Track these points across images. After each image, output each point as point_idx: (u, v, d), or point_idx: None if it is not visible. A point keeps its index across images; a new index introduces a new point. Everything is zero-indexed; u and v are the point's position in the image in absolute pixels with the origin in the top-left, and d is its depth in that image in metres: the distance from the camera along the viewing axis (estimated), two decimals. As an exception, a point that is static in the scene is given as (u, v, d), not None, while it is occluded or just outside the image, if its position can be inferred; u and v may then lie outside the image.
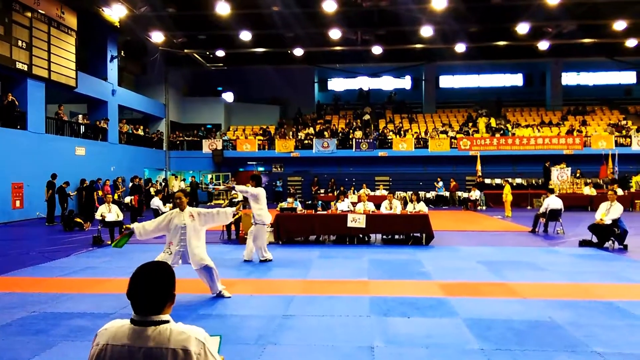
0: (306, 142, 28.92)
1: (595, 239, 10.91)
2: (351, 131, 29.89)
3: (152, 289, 2.00)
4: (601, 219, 10.70)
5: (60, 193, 16.10)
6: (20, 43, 16.97)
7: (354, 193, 22.79)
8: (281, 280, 7.59)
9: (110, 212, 11.74)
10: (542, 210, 13.31)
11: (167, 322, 2.02)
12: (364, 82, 36.19)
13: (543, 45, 24.79)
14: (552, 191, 14.15)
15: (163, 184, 25.20)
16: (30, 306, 6.11)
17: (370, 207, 12.34)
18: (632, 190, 22.79)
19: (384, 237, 12.29)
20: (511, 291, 6.77)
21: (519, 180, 26.31)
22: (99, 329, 2.08)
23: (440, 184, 25.96)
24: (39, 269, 8.60)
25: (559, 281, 7.43)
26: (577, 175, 24.09)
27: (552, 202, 13.12)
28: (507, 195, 19.00)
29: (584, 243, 10.98)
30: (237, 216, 12.58)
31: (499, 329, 5.09)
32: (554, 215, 13.07)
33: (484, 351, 4.48)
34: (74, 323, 5.42)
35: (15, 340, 4.89)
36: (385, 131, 29.81)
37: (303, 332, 5.05)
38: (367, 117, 31.52)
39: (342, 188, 24.88)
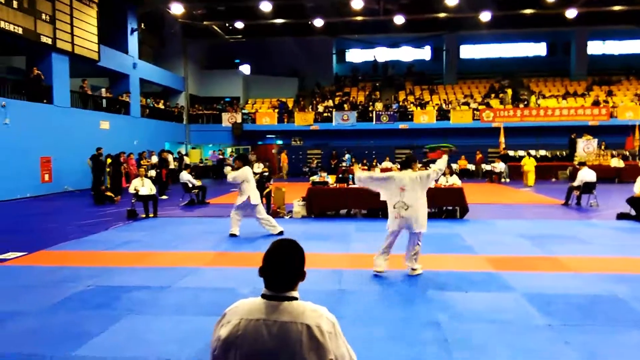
0: (325, 114, 28.71)
1: (633, 212, 10.75)
2: (371, 103, 29.59)
3: (288, 266, 2.01)
4: (641, 192, 10.53)
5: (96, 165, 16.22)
6: (44, 16, 16.85)
7: (375, 166, 22.66)
8: (325, 255, 7.57)
9: (143, 186, 11.79)
10: (576, 183, 13.11)
11: (297, 298, 2.02)
12: (382, 53, 35.57)
13: (571, 13, 24.05)
14: (583, 164, 13.92)
15: (178, 156, 25.14)
16: (85, 280, 6.18)
17: (402, 180, 12.24)
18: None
19: (416, 210, 12.21)
20: (562, 265, 6.71)
21: (542, 152, 25.95)
22: (228, 307, 2.06)
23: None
24: (81, 242, 8.69)
25: (608, 255, 7.35)
26: (603, 147, 23.66)
27: (586, 175, 12.92)
28: (527, 165, 19.99)
29: (621, 216, 10.81)
30: (267, 190, 12.66)
31: (560, 304, 5.04)
32: (588, 187, 12.89)
33: (551, 327, 4.45)
34: (134, 296, 5.48)
35: (80, 315, 4.95)
36: (406, 103, 29.45)
37: (364, 306, 5.06)
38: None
39: (364, 160, 24.88)
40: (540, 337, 4.24)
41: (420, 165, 6.47)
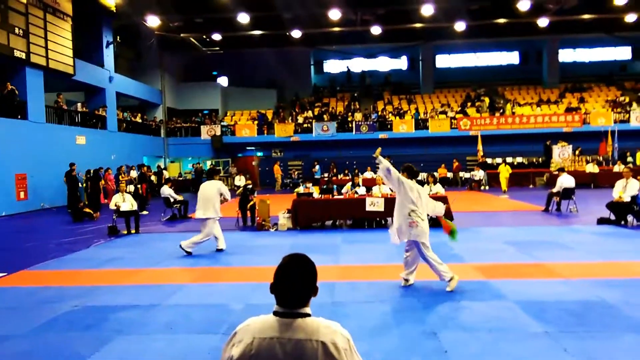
0: (305, 125, 28.73)
1: (613, 217, 10.97)
2: (350, 113, 29.75)
3: (301, 282, 1.97)
4: (620, 197, 10.76)
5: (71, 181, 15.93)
6: (17, 30, 16.51)
7: (357, 176, 22.66)
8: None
9: (124, 202, 11.56)
10: (556, 189, 13.35)
11: (310, 315, 1.98)
12: (359, 63, 35.87)
13: (543, 22, 24.67)
14: (562, 170, 14.20)
15: (157, 170, 24.85)
16: (70, 300, 6.00)
17: (387, 190, 12.29)
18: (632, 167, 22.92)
19: (400, 219, 12.24)
20: (550, 272, 6.78)
21: (519, 159, 26.39)
22: (238, 326, 2.01)
23: (317, 167, 26.22)
24: (63, 261, 8.46)
25: (594, 260, 7.47)
26: (577, 153, 24.18)
27: (566, 181, 13.17)
28: (503, 172, 21.02)
29: (602, 221, 11.02)
30: (252, 202, 12.56)
31: (553, 311, 5.08)
32: (567, 193, 13.13)
33: (548, 334, 4.47)
34: (123, 316, 5.33)
35: (68, 336, 4.80)
36: (384, 113, 29.69)
37: (360, 320, 5.01)
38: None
39: (346, 171, 24.94)
40: (539, 344, 4.26)
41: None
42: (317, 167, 26.41)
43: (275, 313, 1.98)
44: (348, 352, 1.94)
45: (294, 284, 1.96)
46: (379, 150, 6.37)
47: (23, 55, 16.85)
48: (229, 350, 2.00)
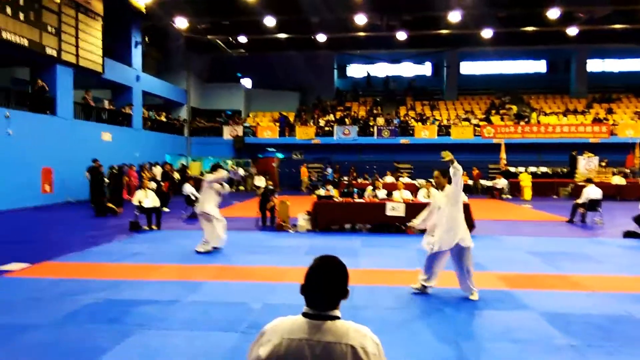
0: (327, 129, 28.75)
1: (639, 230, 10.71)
2: (372, 118, 29.67)
3: (333, 284, 1.95)
4: (648, 210, 10.50)
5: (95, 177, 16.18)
6: (49, 28, 16.89)
7: (378, 180, 22.55)
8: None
9: (147, 198, 11.70)
10: (581, 200, 13.08)
11: (340, 317, 1.95)
12: (383, 68, 35.80)
13: (572, 31, 24.28)
14: (590, 181, 13.90)
15: (180, 168, 25.08)
16: (93, 293, 6.06)
17: (407, 195, 12.22)
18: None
19: (420, 225, 12.13)
20: (576, 284, 6.63)
21: (543, 169, 25.96)
22: (266, 325, 1.99)
23: (329, 170, 26.16)
24: (86, 254, 8.58)
25: (621, 273, 7.28)
26: (604, 164, 23.69)
27: (592, 192, 12.90)
28: (523, 181, 21.29)
29: (628, 234, 10.76)
30: (272, 203, 12.58)
31: (580, 324, 4.95)
32: (593, 205, 12.85)
33: (575, 347, 4.36)
34: (144, 311, 5.37)
35: (90, 329, 4.84)
36: (407, 118, 29.52)
37: (381, 325, 4.94)
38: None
39: (365, 175, 24.85)
40: (565, 358, 4.15)
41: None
42: (329, 169, 26.36)
43: (305, 314, 1.96)
44: (376, 358, 1.92)
45: (325, 286, 1.95)
46: (449, 153, 5.99)
47: (54, 53, 17.22)
48: (256, 350, 1.98)
